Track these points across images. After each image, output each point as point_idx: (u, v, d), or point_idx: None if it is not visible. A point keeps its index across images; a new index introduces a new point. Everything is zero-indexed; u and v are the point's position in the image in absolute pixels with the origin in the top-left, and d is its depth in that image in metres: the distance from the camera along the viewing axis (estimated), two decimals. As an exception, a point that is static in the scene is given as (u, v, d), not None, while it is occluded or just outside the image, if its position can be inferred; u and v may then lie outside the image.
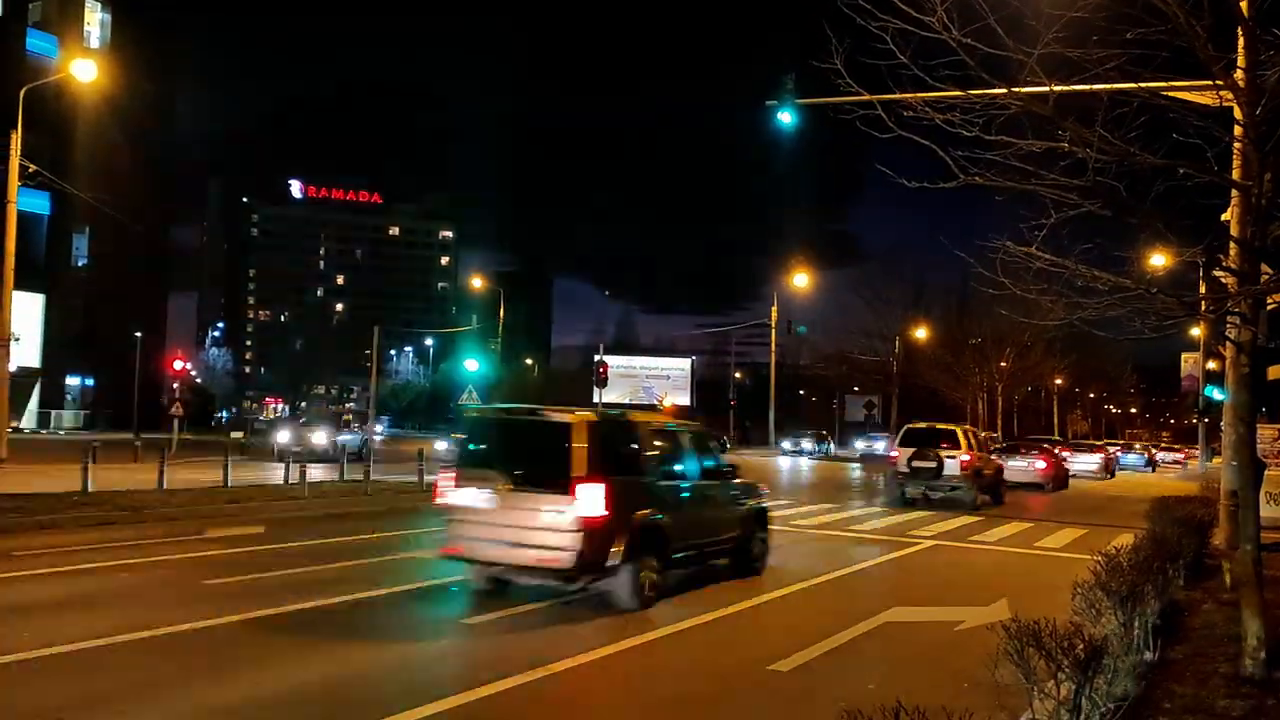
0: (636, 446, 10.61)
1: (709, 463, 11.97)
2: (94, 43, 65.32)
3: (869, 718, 3.56)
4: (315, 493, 20.68)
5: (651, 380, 74.77)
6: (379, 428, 30.73)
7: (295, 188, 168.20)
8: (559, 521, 9.39)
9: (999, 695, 4.86)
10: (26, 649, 7.64)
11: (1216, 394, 32.40)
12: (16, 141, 28.15)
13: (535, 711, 6.72)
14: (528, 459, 9.95)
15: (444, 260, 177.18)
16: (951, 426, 25.09)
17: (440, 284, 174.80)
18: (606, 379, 32.37)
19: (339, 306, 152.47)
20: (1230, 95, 6.99)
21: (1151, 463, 64.64)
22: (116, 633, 8.25)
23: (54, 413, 64.71)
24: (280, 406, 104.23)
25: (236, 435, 52.98)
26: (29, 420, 62.08)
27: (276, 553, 13.42)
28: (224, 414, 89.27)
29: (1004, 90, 7.01)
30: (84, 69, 29.76)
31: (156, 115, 69.53)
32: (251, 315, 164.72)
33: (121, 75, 54.04)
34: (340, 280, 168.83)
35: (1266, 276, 7.30)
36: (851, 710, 3.67)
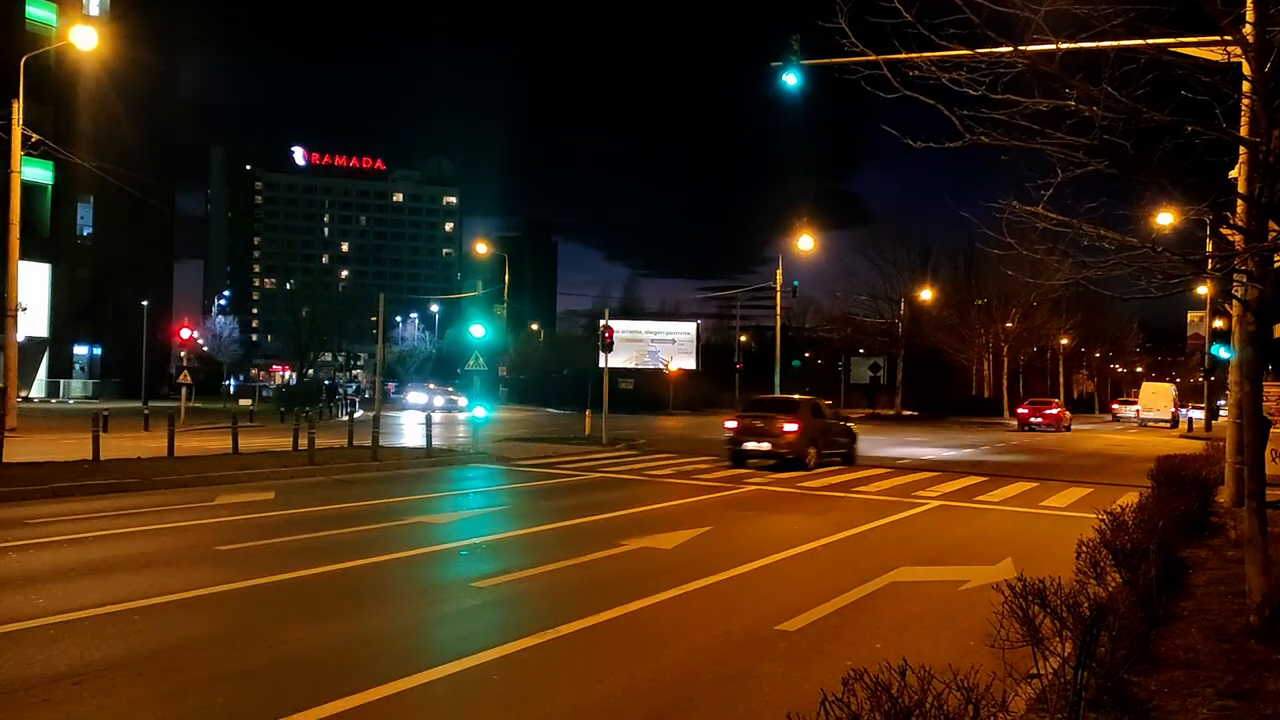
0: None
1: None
2: (94, 10, 64.88)
3: (875, 677, 3.60)
4: (324, 459, 20.79)
5: (657, 344, 74.59)
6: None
7: (298, 155, 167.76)
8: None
9: (1004, 653, 4.90)
10: (41, 615, 7.74)
11: (1223, 352, 32.35)
12: (18, 111, 28.06)
13: (544, 670, 6.80)
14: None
15: (448, 226, 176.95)
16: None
17: (445, 250, 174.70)
18: (612, 343, 32.31)
19: (344, 274, 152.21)
20: (1239, 50, 6.92)
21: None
22: (130, 599, 8.35)
23: (63, 382, 64.97)
24: (288, 374, 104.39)
25: (245, 403, 53.26)
26: (38, 389, 62.36)
27: (287, 518, 13.52)
28: (232, 382, 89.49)
29: (1010, 49, 6.95)
30: (84, 36, 29.57)
31: (158, 83, 69.19)
32: (257, 283, 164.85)
33: (122, 43, 53.76)
34: (345, 247, 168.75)
35: (1274, 233, 7.26)
36: (858, 669, 3.71)
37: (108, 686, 6.16)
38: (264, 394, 72.87)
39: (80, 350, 69.31)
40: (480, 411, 32.39)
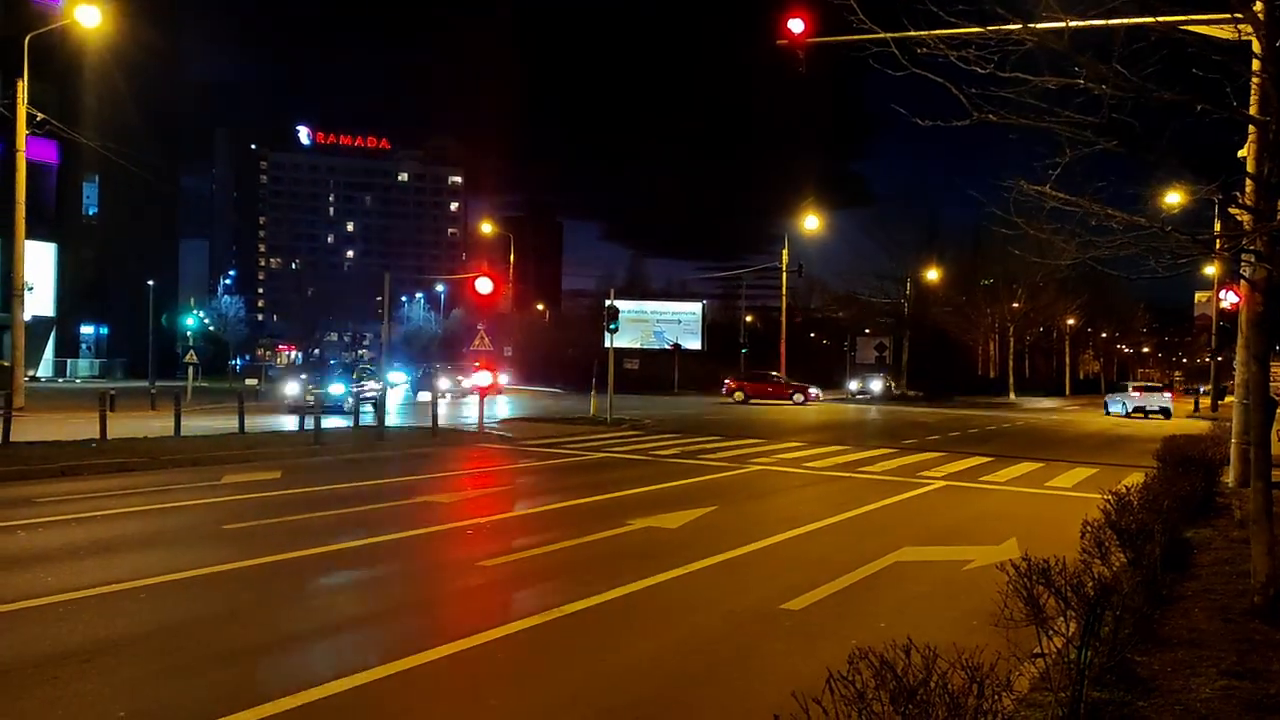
0: None
1: None
2: (97, -12, 64.53)
3: (880, 655, 3.61)
4: (331, 439, 20.85)
5: (662, 324, 74.63)
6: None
7: (303, 134, 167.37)
8: None
9: (1008, 632, 4.91)
10: (49, 594, 7.79)
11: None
12: (23, 90, 28.03)
13: (549, 648, 6.82)
14: None
15: (453, 206, 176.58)
16: None
17: (450, 229, 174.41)
18: (617, 324, 32.32)
19: (349, 253, 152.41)
20: (1250, 28, 6.87)
21: None
22: (138, 577, 8.39)
23: (69, 361, 65.16)
24: (294, 354, 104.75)
25: (251, 382, 53.40)
26: (45, 369, 62.56)
27: (293, 497, 13.57)
28: (238, 361, 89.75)
29: (1020, 26, 6.90)
30: (88, 15, 29.45)
31: (162, 62, 68.99)
32: (263, 262, 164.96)
33: (126, 21, 53.53)
34: (350, 227, 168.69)
35: (1283, 213, 7.22)
36: (863, 648, 3.72)
37: (115, 664, 6.20)
38: (270, 373, 73.01)
39: (87, 330, 69.48)
40: (487, 391, 32.38)
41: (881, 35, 7.54)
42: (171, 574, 8.57)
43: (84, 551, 9.59)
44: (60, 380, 60.51)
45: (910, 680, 3.48)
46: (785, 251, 60.06)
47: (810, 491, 15.86)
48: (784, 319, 59.85)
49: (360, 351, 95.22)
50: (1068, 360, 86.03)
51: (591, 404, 33.93)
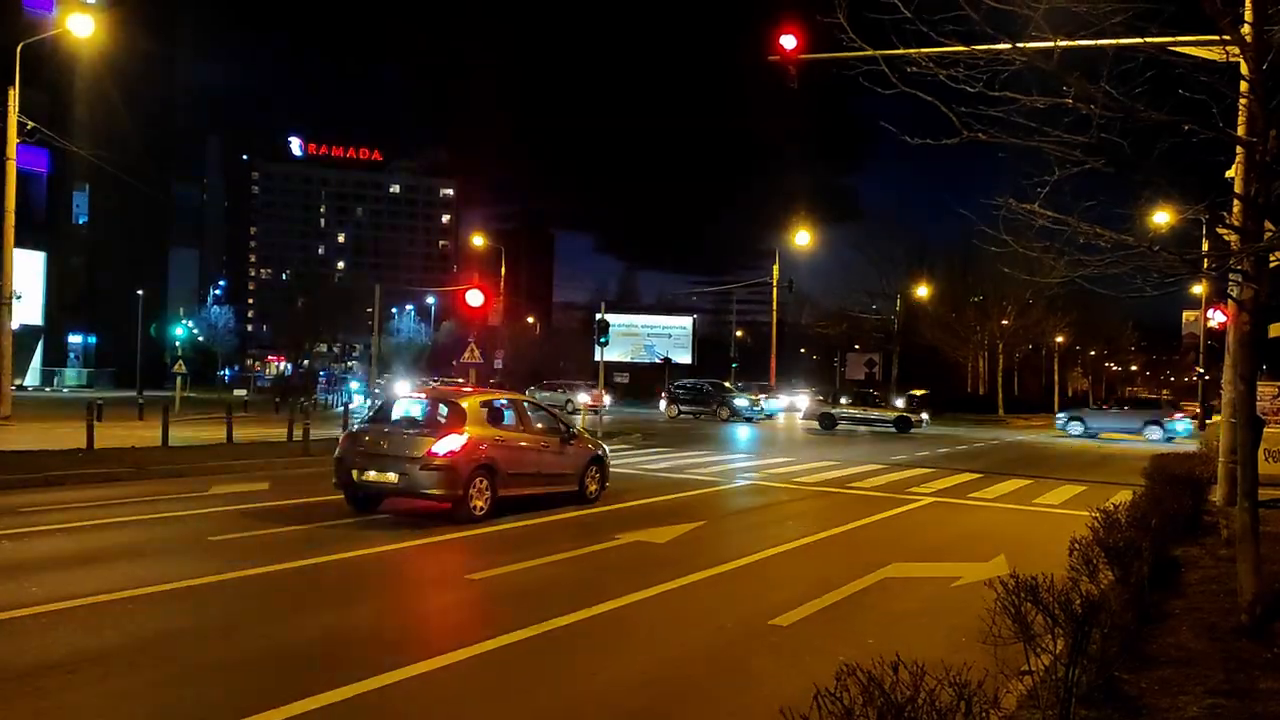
0: None
1: None
2: (90, -3, 64.58)
3: (867, 672, 3.60)
4: (319, 450, 20.76)
5: (653, 338, 74.76)
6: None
7: (295, 145, 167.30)
8: None
9: (996, 650, 4.91)
10: (35, 603, 7.73)
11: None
12: (14, 98, 27.96)
13: (536, 663, 6.80)
14: None
15: (445, 218, 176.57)
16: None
17: (441, 242, 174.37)
18: (608, 337, 32.34)
19: (340, 264, 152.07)
20: (1237, 50, 6.93)
21: None
22: (124, 588, 8.34)
23: (57, 370, 64.89)
24: (283, 364, 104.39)
25: (240, 393, 53.20)
26: (32, 378, 62.28)
27: (281, 509, 13.49)
28: (226, 372, 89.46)
29: (1008, 45, 6.94)
30: (81, 24, 29.47)
31: (155, 71, 69.03)
32: (253, 272, 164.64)
33: (119, 30, 53.55)
34: (341, 238, 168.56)
35: (1270, 233, 7.26)
36: (851, 664, 3.71)
37: (101, 675, 6.16)
38: (259, 384, 72.79)
39: (75, 339, 69.24)
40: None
41: (870, 53, 7.57)
42: (159, 585, 8.51)
43: (70, 561, 9.53)
44: (48, 389, 60.21)
45: (898, 697, 3.48)
46: (776, 266, 60.18)
47: (799, 507, 15.86)
48: (774, 334, 59.93)
49: (350, 363, 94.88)
50: (1056, 378, 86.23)
51: (580, 417, 33.90)
